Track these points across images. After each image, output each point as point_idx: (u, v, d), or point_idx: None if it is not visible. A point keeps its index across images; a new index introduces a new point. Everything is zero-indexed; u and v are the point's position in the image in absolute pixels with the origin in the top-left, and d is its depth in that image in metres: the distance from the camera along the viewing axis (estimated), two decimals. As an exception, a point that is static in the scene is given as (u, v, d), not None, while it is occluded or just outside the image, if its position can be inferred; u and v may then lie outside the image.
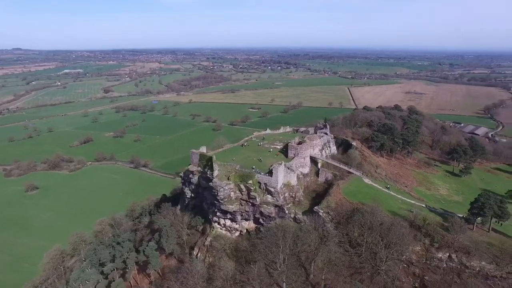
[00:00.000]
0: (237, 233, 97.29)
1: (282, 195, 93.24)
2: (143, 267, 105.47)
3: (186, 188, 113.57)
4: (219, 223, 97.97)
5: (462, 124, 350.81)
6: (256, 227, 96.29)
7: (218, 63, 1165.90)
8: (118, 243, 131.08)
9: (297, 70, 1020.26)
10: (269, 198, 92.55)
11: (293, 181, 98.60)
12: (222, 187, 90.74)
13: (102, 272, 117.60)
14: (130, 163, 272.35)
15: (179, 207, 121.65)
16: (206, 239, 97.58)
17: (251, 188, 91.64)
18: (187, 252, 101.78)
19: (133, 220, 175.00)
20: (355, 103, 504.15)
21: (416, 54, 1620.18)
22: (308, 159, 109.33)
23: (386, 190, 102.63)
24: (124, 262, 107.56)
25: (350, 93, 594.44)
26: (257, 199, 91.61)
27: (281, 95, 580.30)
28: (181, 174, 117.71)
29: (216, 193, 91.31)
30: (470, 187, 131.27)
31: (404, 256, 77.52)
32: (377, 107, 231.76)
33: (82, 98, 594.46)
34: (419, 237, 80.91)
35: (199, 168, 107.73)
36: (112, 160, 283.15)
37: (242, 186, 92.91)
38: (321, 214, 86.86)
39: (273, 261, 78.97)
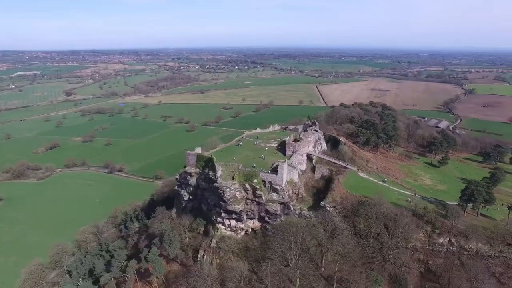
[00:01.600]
0: (243, 233, 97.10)
1: (286, 192, 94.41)
2: (144, 274, 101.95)
3: (183, 190, 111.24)
4: (223, 224, 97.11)
5: (426, 119, 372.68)
6: (261, 225, 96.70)
7: (184, 63, 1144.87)
8: (108, 252, 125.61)
9: (264, 70, 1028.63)
10: (274, 196, 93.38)
11: (295, 178, 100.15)
12: (228, 187, 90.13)
13: (95, 282, 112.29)
14: (104, 168, 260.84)
15: (174, 210, 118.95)
16: (211, 241, 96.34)
17: (257, 186, 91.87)
18: (190, 255, 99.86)
19: (117, 227, 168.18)
20: (324, 101, 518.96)
21: (377, 52, 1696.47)
22: (305, 156, 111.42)
23: (382, 183, 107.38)
24: (122, 271, 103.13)
25: (319, 91, 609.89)
26: (263, 198, 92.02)
27: (251, 95, 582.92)
28: (177, 176, 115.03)
29: (222, 194, 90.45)
30: (449, 177, 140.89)
31: (410, 244, 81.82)
32: (353, 104, 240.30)
33: (41, 102, 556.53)
34: (421, 225, 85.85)
35: (197, 170, 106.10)
36: (84, 166, 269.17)
37: (247, 185, 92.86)
38: (328, 208, 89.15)
39: (285, 258, 79.94)
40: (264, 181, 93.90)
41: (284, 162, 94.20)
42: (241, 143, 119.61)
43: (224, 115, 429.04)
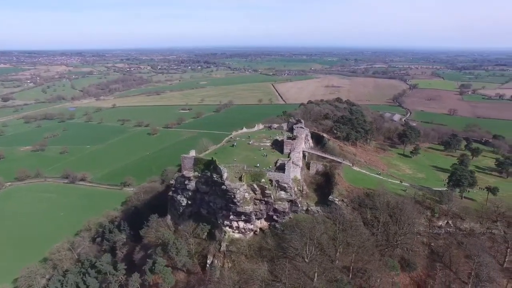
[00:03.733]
0: (251, 234, 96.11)
1: (293, 189, 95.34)
2: (146, 287, 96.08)
3: (180, 195, 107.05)
4: (231, 227, 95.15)
5: (381, 112, 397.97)
6: (269, 224, 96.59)
7: (135, 64, 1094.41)
8: (94, 267, 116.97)
9: (218, 69, 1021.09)
10: (282, 194, 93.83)
11: (298, 175, 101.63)
12: (238, 189, 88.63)
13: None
14: (64, 179, 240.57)
15: (169, 217, 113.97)
16: (219, 245, 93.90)
17: (265, 186, 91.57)
18: (196, 262, 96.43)
19: (93, 240, 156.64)
20: (283, 99, 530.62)
21: (324, 50, 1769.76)
22: (301, 153, 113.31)
23: (377, 175, 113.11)
24: (121, 286, 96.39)
25: (276, 90, 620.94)
26: (272, 197, 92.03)
27: (208, 95, 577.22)
28: (172, 182, 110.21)
29: (232, 196, 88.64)
30: (423, 165, 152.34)
31: (415, 229, 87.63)
32: (321, 100, 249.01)
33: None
34: (422, 210, 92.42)
35: (196, 173, 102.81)
36: (39, 178, 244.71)
37: (255, 186, 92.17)
38: (337, 202, 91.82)
39: (301, 255, 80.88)
40: (271, 180, 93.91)
41: (290, 160, 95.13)
42: (235, 144, 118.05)
43: (184, 116, 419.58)
